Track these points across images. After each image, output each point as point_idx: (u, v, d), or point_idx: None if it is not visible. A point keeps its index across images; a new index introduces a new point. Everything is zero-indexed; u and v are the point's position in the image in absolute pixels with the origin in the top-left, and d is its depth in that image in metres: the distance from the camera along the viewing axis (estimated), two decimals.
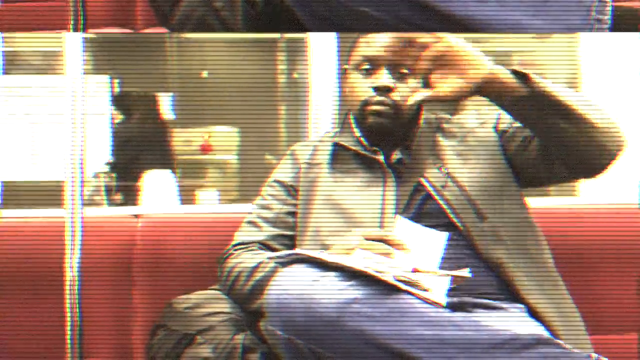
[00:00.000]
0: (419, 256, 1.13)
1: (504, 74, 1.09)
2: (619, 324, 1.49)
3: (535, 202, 1.32)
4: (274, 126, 3.45)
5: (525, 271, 1.20)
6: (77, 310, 1.44)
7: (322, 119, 1.86)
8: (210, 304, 1.23)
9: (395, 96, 1.27)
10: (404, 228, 1.20)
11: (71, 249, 1.45)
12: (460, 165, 1.27)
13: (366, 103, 1.28)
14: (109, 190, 2.79)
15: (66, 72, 1.50)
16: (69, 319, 1.44)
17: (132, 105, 3.07)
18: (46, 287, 1.52)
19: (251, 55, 3.54)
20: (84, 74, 1.51)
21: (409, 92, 1.27)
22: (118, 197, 2.85)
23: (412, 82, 1.28)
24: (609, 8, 1.06)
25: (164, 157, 3.05)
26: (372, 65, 1.28)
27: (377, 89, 1.27)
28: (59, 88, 1.89)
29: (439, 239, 1.20)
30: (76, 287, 1.44)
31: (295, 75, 3.41)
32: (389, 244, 1.11)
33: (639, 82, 2.11)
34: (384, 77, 1.27)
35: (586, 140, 1.13)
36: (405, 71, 1.28)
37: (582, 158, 1.16)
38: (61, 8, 1.54)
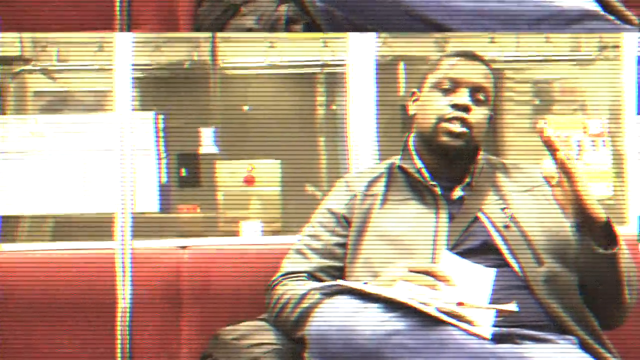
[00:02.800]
0: (466, 291, 1.12)
1: (598, 230, 1.15)
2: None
3: None
4: (314, 158, 3.48)
5: (577, 315, 1.20)
6: (128, 340, 1.47)
7: (361, 149, 1.87)
8: (256, 334, 1.24)
9: (471, 117, 1.29)
10: (449, 262, 1.19)
11: (122, 280, 1.48)
12: (526, 212, 1.27)
13: (441, 119, 1.29)
14: None
15: (115, 108, 1.56)
16: (119, 349, 1.47)
17: None
18: (97, 318, 1.55)
19: (291, 89, 3.60)
20: (132, 110, 1.56)
21: (481, 118, 1.30)
22: None
23: (485, 110, 1.31)
24: None
25: None
26: (453, 85, 1.30)
27: (455, 106, 1.28)
28: (109, 124, 1.97)
29: (487, 275, 1.19)
30: (127, 318, 1.47)
31: (334, 107, 3.45)
32: (435, 277, 1.11)
33: None
34: (464, 97, 1.29)
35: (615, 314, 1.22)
36: (481, 97, 1.30)
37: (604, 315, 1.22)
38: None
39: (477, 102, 1.30)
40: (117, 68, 1.54)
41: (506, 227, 1.24)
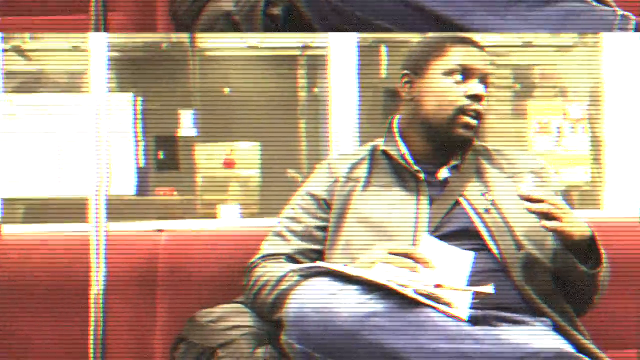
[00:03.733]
0: (444, 273, 1.13)
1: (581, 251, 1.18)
2: (619, 339, 1.47)
3: None
4: (294, 141, 3.46)
5: (553, 292, 1.22)
6: (101, 324, 1.46)
7: (342, 132, 1.86)
8: (232, 317, 1.24)
9: (483, 105, 1.30)
10: (429, 245, 1.19)
11: (96, 264, 1.47)
12: (507, 198, 1.28)
13: (461, 111, 1.29)
14: None
15: (91, 90, 1.53)
16: (92, 332, 1.46)
17: None
18: (70, 301, 1.54)
19: (272, 72, 3.57)
20: (109, 91, 1.53)
21: (486, 107, 1.31)
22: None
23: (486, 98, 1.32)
24: (632, 22, 1.06)
25: None
26: (466, 74, 1.30)
27: (471, 97, 1.28)
28: (84, 106, 1.93)
29: (465, 257, 1.19)
30: (101, 302, 1.46)
31: (316, 90, 3.43)
32: (414, 260, 1.11)
33: None
34: (477, 86, 1.29)
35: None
36: (489, 83, 1.32)
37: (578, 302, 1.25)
38: (83, 21, 1.57)
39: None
40: (91, 48, 1.51)
41: (487, 211, 1.25)
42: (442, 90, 1.30)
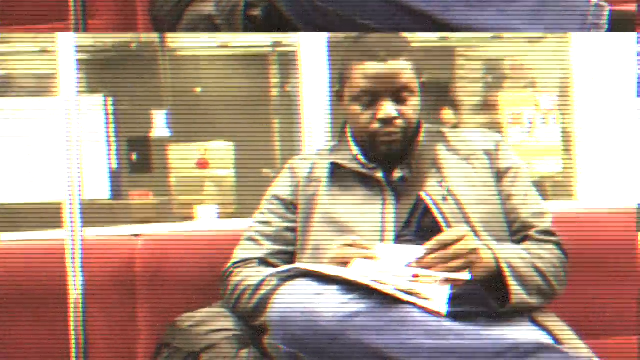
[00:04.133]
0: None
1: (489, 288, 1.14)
2: (596, 328, 1.50)
3: None
4: (268, 139, 3.45)
5: None
6: (82, 331, 1.44)
7: (315, 129, 1.86)
8: (214, 321, 1.24)
9: (400, 122, 1.27)
10: (383, 252, 1.17)
11: (73, 270, 1.45)
12: (461, 183, 1.28)
13: (374, 135, 1.28)
14: None
15: (60, 92, 1.51)
16: (73, 339, 1.44)
17: None
18: (48, 309, 1.51)
19: (243, 70, 3.55)
20: (78, 93, 1.51)
21: (412, 113, 1.28)
22: None
23: (413, 101, 1.28)
24: (606, 12, 1.07)
25: None
26: (373, 97, 1.26)
27: (382, 121, 1.26)
28: (54, 109, 1.90)
29: (418, 252, 1.18)
30: (80, 308, 1.44)
31: (287, 88, 3.42)
32: (362, 249, 1.13)
33: (632, 83, 2.13)
34: (387, 108, 1.25)
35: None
36: (406, 94, 1.27)
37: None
38: (63, 29, 1.54)
39: (403, 101, 1.27)
40: (59, 50, 1.48)
41: (444, 199, 1.25)
42: (354, 116, 1.29)
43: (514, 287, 1.14)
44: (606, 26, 1.08)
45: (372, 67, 1.25)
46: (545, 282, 1.19)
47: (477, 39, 3.07)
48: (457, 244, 1.11)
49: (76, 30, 1.51)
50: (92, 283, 1.48)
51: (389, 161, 1.31)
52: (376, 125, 1.27)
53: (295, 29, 1.14)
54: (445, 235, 1.12)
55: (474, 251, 1.12)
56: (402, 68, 1.26)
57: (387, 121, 1.26)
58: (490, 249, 1.16)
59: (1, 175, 1.94)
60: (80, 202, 1.50)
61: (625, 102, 2.13)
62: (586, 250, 1.48)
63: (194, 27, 1.25)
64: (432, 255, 1.10)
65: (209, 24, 1.23)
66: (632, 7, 1.14)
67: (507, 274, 1.14)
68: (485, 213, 1.26)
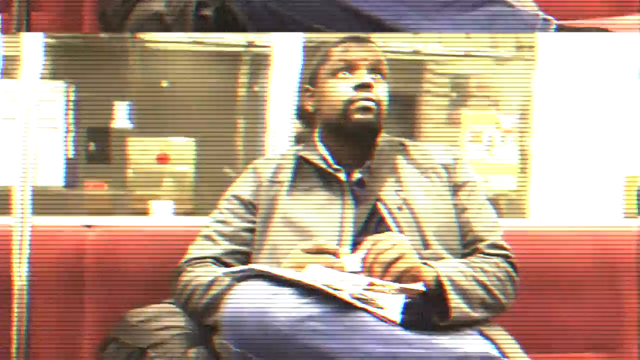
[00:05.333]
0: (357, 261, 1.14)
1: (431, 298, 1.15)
2: (544, 343, 1.53)
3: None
4: (232, 138, 3.43)
5: None
6: (25, 321, 1.40)
7: (279, 131, 1.86)
8: (163, 317, 1.22)
9: (375, 92, 1.31)
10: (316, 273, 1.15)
11: (19, 258, 1.41)
12: (417, 194, 1.30)
13: (349, 102, 1.31)
14: None
15: (21, 76, 1.47)
16: (15, 329, 1.40)
17: None
18: None
19: (213, 67, 3.53)
20: (41, 78, 1.48)
21: (382, 94, 1.33)
22: None
23: (384, 85, 1.35)
24: (553, 27, 1.12)
25: None
26: (351, 68, 1.33)
27: (359, 87, 1.30)
28: (14, 92, 1.85)
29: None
30: (25, 297, 1.40)
31: (256, 88, 3.41)
32: (328, 253, 1.13)
33: (595, 101, 2.21)
34: (364, 76, 1.31)
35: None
36: (378, 76, 1.34)
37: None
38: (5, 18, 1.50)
39: (376, 80, 1.33)
40: (25, 33, 1.45)
41: (399, 209, 1.28)
42: (331, 90, 1.34)
43: (454, 301, 1.15)
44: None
45: (352, 43, 1.34)
46: (489, 295, 1.21)
47: (447, 56, 3.12)
48: (385, 253, 1.12)
49: (19, 22, 1.47)
50: (39, 272, 1.44)
51: (350, 164, 1.32)
52: (353, 92, 1.31)
53: (244, 30, 1.14)
54: (376, 242, 1.13)
55: (404, 273, 1.12)
56: (378, 49, 1.36)
57: (365, 85, 1.30)
58: (431, 265, 1.17)
59: None
60: (32, 188, 1.46)
61: (586, 123, 2.20)
62: (537, 267, 1.51)
63: (141, 25, 1.23)
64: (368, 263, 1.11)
65: (158, 23, 1.22)
66: (576, 23, 1.20)
67: (448, 288, 1.15)
68: (439, 225, 1.28)
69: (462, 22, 1.08)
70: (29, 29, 1.47)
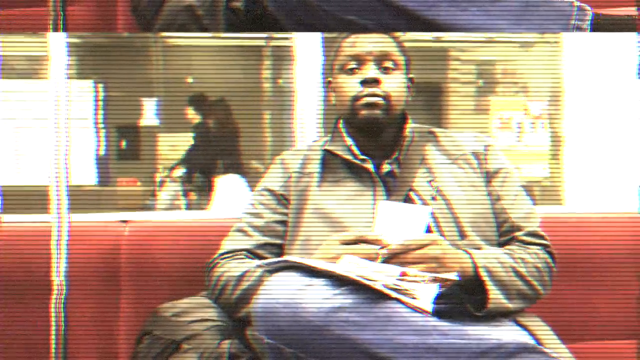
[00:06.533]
0: (401, 232, 1.14)
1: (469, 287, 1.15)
2: (581, 332, 1.52)
3: None
4: (259, 133, 3.45)
5: None
6: (63, 316, 1.43)
7: (307, 125, 1.86)
8: (197, 311, 1.23)
9: (383, 87, 1.29)
10: (385, 211, 1.20)
11: (57, 255, 1.44)
12: (450, 183, 1.29)
13: (356, 98, 1.30)
14: (185, 193, 2.78)
15: (50, 76, 1.49)
16: (54, 325, 1.43)
17: (209, 109, 3.08)
18: (32, 293, 1.50)
19: (237, 62, 3.54)
20: (68, 78, 1.50)
21: (395, 84, 1.31)
22: (193, 198, 2.85)
23: (398, 75, 1.32)
24: (589, 16, 1.09)
25: (235, 162, 3.03)
26: (358, 62, 1.31)
27: (364, 82, 1.29)
28: (44, 92, 1.89)
29: (423, 213, 1.20)
30: (63, 293, 1.43)
31: (280, 82, 3.42)
32: (368, 243, 1.13)
33: (624, 85, 2.16)
34: (370, 70, 1.29)
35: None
36: (390, 65, 1.31)
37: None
38: (42, 13, 1.53)
39: (386, 70, 1.31)
40: (51, 32, 1.47)
41: (433, 199, 1.26)
42: (341, 85, 1.32)
43: (493, 292, 1.15)
44: (589, 29, 1.10)
45: (357, 37, 1.31)
46: (528, 287, 1.20)
47: (470, 41, 3.09)
48: (423, 249, 1.12)
49: (55, 18, 1.49)
50: (77, 268, 1.47)
51: (378, 154, 1.32)
52: (359, 87, 1.29)
53: (277, 23, 1.14)
54: (413, 240, 1.13)
55: (436, 259, 1.12)
56: (387, 39, 1.32)
57: (370, 81, 1.28)
58: (469, 253, 1.17)
59: None
60: (67, 187, 1.49)
61: (616, 108, 2.15)
62: (574, 254, 1.49)
63: (174, 18, 1.24)
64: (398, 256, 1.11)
65: (190, 15, 1.22)
66: (614, 11, 1.17)
67: (485, 278, 1.15)
68: (474, 214, 1.27)
69: (495, 12, 1.06)
70: (65, 25, 1.49)
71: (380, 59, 1.30)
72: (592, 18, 1.09)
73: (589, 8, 1.10)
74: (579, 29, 1.09)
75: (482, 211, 1.29)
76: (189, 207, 2.84)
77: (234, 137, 3.09)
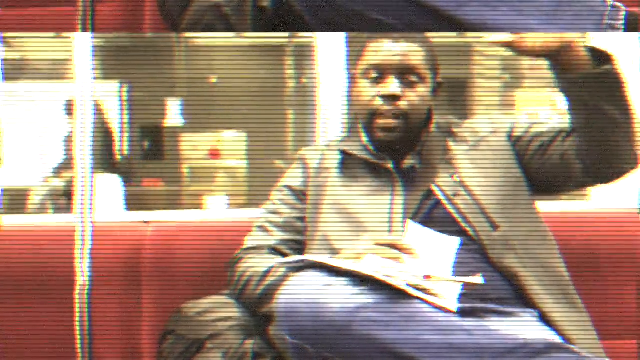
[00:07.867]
0: (429, 261, 1.12)
1: (584, 50, 1.08)
2: (619, 329, 1.48)
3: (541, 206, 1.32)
4: (282, 131, 3.45)
5: (537, 278, 1.19)
6: (87, 315, 1.44)
7: (330, 123, 1.85)
8: (220, 309, 1.23)
9: (403, 104, 1.25)
10: (415, 232, 1.19)
11: (81, 255, 1.45)
12: (473, 173, 1.26)
13: (374, 114, 1.26)
14: (55, 196, 2.76)
15: (75, 78, 1.50)
16: (78, 324, 1.44)
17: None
18: (56, 292, 1.52)
19: (259, 61, 3.55)
20: (94, 79, 1.51)
21: (417, 100, 1.26)
22: (63, 202, 2.83)
23: (422, 89, 1.27)
24: (622, 14, 1.06)
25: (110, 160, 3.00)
26: (380, 72, 1.26)
27: (384, 97, 1.25)
28: (69, 94, 1.90)
29: (451, 243, 1.19)
30: (86, 293, 1.44)
31: (304, 80, 3.42)
32: (400, 250, 1.11)
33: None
34: (392, 85, 1.24)
35: (624, 137, 1.14)
36: (414, 79, 1.25)
37: (612, 157, 1.17)
38: (71, 13, 1.54)
39: (410, 85, 1.25)
40: (76, 35, 1.48)
41: (456, 194, 1.23)
42: (360, 91, 1.28)
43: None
44: (622, 27, 1.06)
45: (384, 43, 1.26)
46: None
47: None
48: None
49: (84, 17, 1.50)
50: (100, 268, 1.48)
51: (399, 151, 1.30)
52: (378, 102, 1.25)
53: (304, 23, 1.13)
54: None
55: None
56: (414, 50, 1.26)
57: (389, 98, 1.24)
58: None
59: (13, 158, 1.95)
60: (92, 186, 1.50)
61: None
62: (601, 250, 1.46)
63: (201, 16, 1.24)
64: None
65: (217, 14, 1.22)
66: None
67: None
68: (502, 197, 1.23)
69: (526, 10, 1.03)
70: (94, 24, 1.50)
71: (404, 72, 1.25)
72: (625, 16, 1.06)
73: (622, 7, 1.06)
74: (612, 28, 1.06)
75: (514, 193, 1.24)
76: (57, 209, 2.76)
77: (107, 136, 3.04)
